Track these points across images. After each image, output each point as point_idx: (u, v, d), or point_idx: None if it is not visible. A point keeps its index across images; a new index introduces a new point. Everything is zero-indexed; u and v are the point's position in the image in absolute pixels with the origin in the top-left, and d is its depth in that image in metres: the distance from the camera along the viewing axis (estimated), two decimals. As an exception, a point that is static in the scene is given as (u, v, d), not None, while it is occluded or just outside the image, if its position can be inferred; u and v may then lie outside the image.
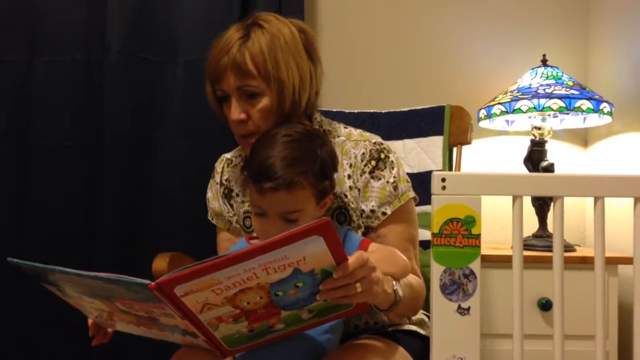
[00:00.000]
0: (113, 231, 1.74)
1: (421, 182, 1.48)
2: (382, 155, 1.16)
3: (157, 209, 1.77)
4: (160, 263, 1.28)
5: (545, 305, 1.50)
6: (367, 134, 1.21)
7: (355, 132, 1.22)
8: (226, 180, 1.28)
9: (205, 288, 0.78)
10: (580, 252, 1.61)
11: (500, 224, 1.85)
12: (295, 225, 0.81)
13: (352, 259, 0.83)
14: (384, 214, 1.14)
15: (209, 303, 0.81)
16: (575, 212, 1.94)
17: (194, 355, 1.01)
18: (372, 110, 1.71)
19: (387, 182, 1.14)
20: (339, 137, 1.20)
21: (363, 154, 1.16)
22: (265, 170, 0.98)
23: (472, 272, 0.79)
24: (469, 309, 0.79)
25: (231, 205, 1.27)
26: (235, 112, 1.12)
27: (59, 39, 1.77)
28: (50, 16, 1.77)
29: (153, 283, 0.77)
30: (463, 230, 0.79)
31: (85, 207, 1.77)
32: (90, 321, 1.03)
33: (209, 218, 1.32)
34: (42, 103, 1.77)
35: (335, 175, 1.11)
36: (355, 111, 1.71)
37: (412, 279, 1.11)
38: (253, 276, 0.78)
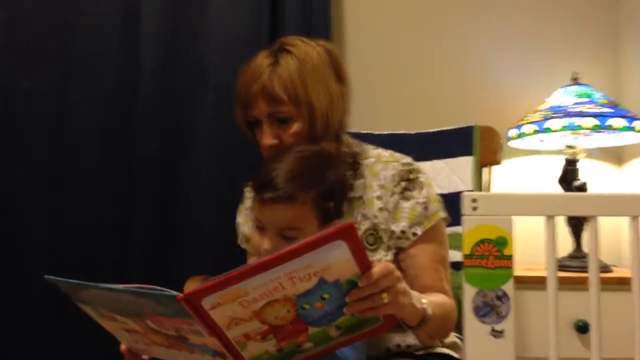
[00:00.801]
0: (143, 255, 1.76)
1: (451, 203, 1.47)
2: (412, 176, 1.16)
3: (187, 233, 1.79)
4: (191, 286, 1.28)
5: (582, 328, 1.46)
6: (398, 154, 1.21)
7: (386, 154, 1.21)
8: None
9: (232, 300, 0.79)
10: (617, 272, 1.58)
11: (534, 245, 1.82)
12: (293, 244, 0.80)
13: (377, 268, 0.82)
14: (414, 234, 1.14)
15: (236, 317, 0.82)
16: (611, 231, 1.89)
17: None
18: (401, 132, 1.71)
19: (417, 202, 1.14)
20: (368, 158, 1.20)
21: (393, 175, 1.16)
22: (269, 181, 0.98)
23: (505, 294, 0.78)
24: (502, 331, 0.77)
25: (261, 230, 1.27)
26: (268, 138, 1.13)
27: (92, 66, 1.82)
28: (85, 45, 1.82)
29: (181, 295, 0.78)
30: (495, 252, 0.78)
31: (117, 230, 1.79)
32: (123, 347, 1.03)
33: (239, 243, 1.33)
34: (77, 127, 1.81)
35: (345, 205, 1.10)
36: (385, 133, 1.71)
37: (443, 298, 1.10)
38: (279, 286, 0.79)
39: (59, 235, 1.79)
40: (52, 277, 0.90)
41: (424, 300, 0.99)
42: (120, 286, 0.83)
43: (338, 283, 0.81)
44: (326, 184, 1.01)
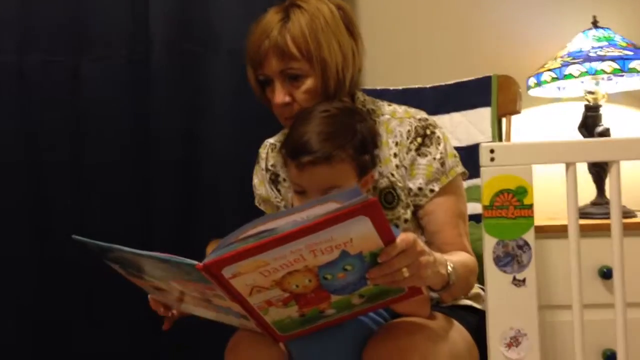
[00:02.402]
0: (166, 220, 1.78)
1: (470, 155, 1.46)
2: (428, 132, 1.15)
3: (207, 196, 1.80)
4: (212, 249, 1.30)
5: (606, 274, 1.46)
6: (412, 110, 1.20)
7: (400, 109, 1.20)
8: (272, 165, 1.29)
9: (253, 270, 0.79)
10: (641, 218, 1.56)
11: (557, 193, 1.81)
12: None
13: (397, 243, 0.82)
14: (431, 191, 1.13)
15: (257, 286, 0.82)
16: (634, 177, 1.86)
17: (250, 340, 1.02)
18: (417, 86, 1.69)
19: (434, 158, 1.13)
20: (383, 115, 1.19)
21: (408, 131, 1.15)
22: (303, 145, 0.98)
23: (526, 243, 0.78)
24: (524, 280, 0.78)
25: (278, 190, 1.28)
26: (280, 96, 1.12)
27: (104, 37, 1.81)
28: (95, 16, 1.81)
29: (200, 264, 0.78)
30: (515, 202, 0.77)
31: (138, 198, 1.81)
32: (151, 298, 1.04)
33: (256, 204, 1.33)
34: (91, 100, 1.81)
35: (378, 152, 1.10)
36: (400, 88, 1.69)
37: (465, 257, 1.10)
38: (300, 258, 0.78)
39: (79, 211, 1.81)
40: (79, 237, 0.92)
41: (449, 266, 0.98)
42: (145, 252, 0.85)
43: (361, 255, 0.81)
44: (359, 138, 1.02)
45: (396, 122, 1.17)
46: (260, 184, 1.31)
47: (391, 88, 1.69)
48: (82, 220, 1.80)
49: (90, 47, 1.81)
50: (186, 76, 1.80)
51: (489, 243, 0.78)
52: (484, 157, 0.78)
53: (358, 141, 1.02)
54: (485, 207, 0.78)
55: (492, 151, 0.78)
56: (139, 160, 1.81)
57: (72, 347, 1.79)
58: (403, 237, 0.82)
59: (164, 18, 1.78)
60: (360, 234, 0.77)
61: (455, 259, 1.03)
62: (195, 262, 0.79)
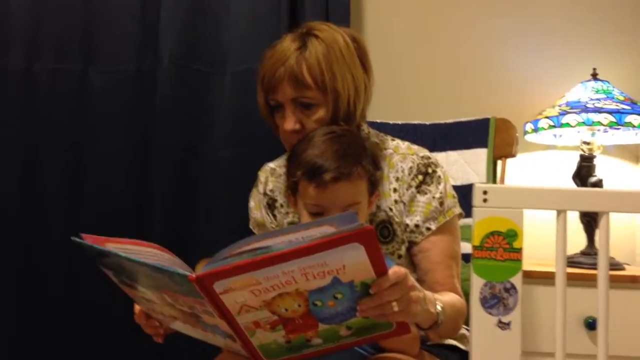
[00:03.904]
0: (161, 236, 1.77)
1: (464, 195, 1.46)
2: (430, 170, 1.15)
3: (203, 214, 1.80)
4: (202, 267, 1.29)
5: (591, 325, 1.46)
6: (415, 147, 1.21)
7: (403, 145, 1.21)
8: (270, 190, 1.28)
9: (244, 287, 0.79)
10: (629, 270, 1.56)
11: (547, 240, 1.81)
12: None
13: (389, 276, 0.82)
14: (428, 229, 1.13)
15: (247, 305, 0.82)
16: (627, 229, 1.88)
17: None
18: (416, 122, 1.70)
19: (434, 197, 1.13)
20: (386, 149, 1.20)
21: (410, 167, 1.15)
22: (321, 165, 0.99)
23: (513, 287, 0.78)
24: (509, 323, 0.77)
25: (274, 216, 1.27)
26: (290, 123, 1.12)
27: (113, 49, 1.83)
28: (105, 28, 1.83)
29: (194, 275, 0.78)
30: (504, 244, 0.78)
31: (136, 210, 1.82)
32: (137, 308, 1.02)
33: (251, 227, 1.33)
34: (97, 110, 1.82)
35: (380, 188, 1.11)
36: (400, 122, 1.71)
37: (455, 298, 1.10)
38: (292, 280, 0.78)
39: (79, 218, 1.81)
40: (77, 239, 0.92)
41: (438, 305, 0.98)
42: (139, 259, 0.85)
43: (352, 284, 0.81)
44: (369, 154, 1.05)
45: (399, 157, 1.18)
46: (256, 207, 1.31)
47: (390, 122, 1.71)
48: (78, 227, 1.79)
49: (98, 59, 1.83)
50: (191, 94, 1.82)
51: (477, 283, 0.78)
52: (476, 197, 0.78)
53: (370, 158, 1.04)
54: (475, 247, 0.78)
55: (485, 192, 0.78)
56: (138, 173, 1.82)
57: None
58: (395, 270, 0.82)
59: (173, 36, 1.80)
60: (354, 261, 0.77)
61: (445, 299, 1.03)
62: (188, 273, 0.79)
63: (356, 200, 1.01)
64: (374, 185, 1.06)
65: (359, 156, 1.02)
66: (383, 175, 1.15)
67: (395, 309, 0.84)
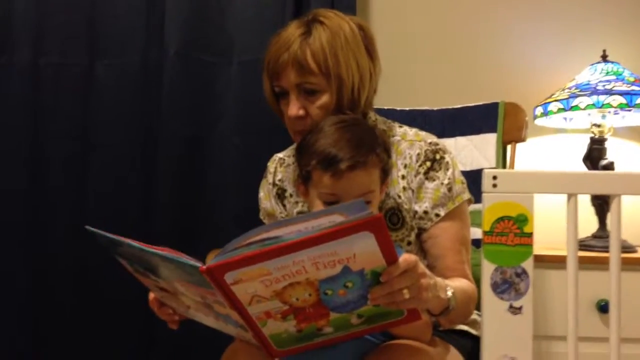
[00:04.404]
0: (169, 224, 1.79)
1: (474, 180, 1.45)
2: (438, 156, 1.15)
3: (211, 205, 1.81)
4: (212, 259, 1.30)
5: (604, 308, 1.45)
6: (423, 133, 1.20)
7: (411, 132, 1.20)
8: (279, 180, 1.29)
9: (255, 278, 0.79)
10: (642, 253, 1.56)
11: (559, 223, 1.81)
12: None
13: (399, 264, 0.81)
14: (437, 215, 1.13)
15: (257, 295, 0.82)
16: (639, 211, 1.86)
17: (248, 352, 1.02)
18: (424, 108, 1.69)
19: (442, 183, 1.13)
20: (394, 136, 1.19)
21: (418, 154, 1.15)
22: (336, 153, 0.98)
23: (524, 271, 0.78)
24: (520, 308, 0.77)
25: (284, 206, 1.28)
26: (294, 109, 1.13)
27: (119, 42, 1.83)
28: (110, 20, 1.84)
29: (204, 266, 0.79)
30: (515, 229, 0.78)
31: (143, 203, 1.82)
32: (151, 295, 1.02)
33: (261, 217, 1.33)
34: (103, 104, 1.83)
35: (389, 176, 1.11)
36: (407, 109, 1.70)
37: (466, 284, 1.09)
38: (302, 270, 0.78)
39: (87, 210, 1.82)
40: (91, 228, 0.92)
41: (449, 291, 0.98)
42: (151, 249, 0.85)
43: (363, 273, 0.81)
44: (382, 142, 1.04)
45: (406, 144, 1.17)
46: (265, 197, 1.31)
47: (398, 108, 1.70)
48: (85, 220, 1.80)
49: (104, 52, 1.83)
50: (198, 85, 1.81)
51: (488, 269, 0.78)
52: (486, 183, 0.78)
53: (382, 145, 1.04)
54: (485, 233, 0.78)
55: (494, 177, 0.78)
56: (145, 165, 1.83)
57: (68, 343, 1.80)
58: (405, 258, 0.82)
59: (179, 26, 1.80)
60: (364, 250, 0.77)
61: (456, 284, 1.03)
62: (199, 264, 0.79)
63: (371, 188, 1.01)
64: (386, 173, 1.06)
65: (372, 144, 1.02)
66: (391, 163, 1.15)
67: (406, 296, 0.83)
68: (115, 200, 1.82)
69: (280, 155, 1.33)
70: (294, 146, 1.28)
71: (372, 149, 1.01)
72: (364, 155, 0.99)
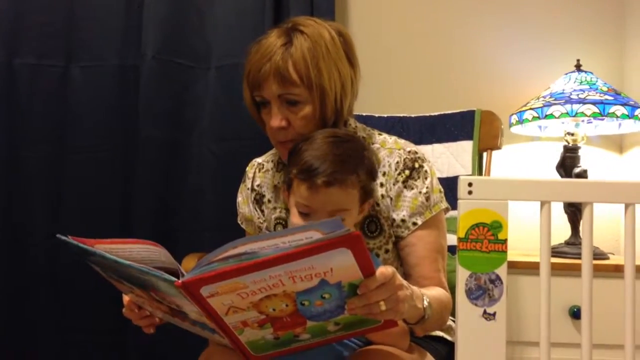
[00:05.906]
0: (146, 231, 1.77)
1: (450, 187, 1.47)
2: (417, 165, 1.15)
3: (188, 210, 1.80)
4: (189, 262, 1.29)
5: (576, 314, 1.47)
6: (402, 141, 1.20)
7: (390, 140, 1.20)
8: (258, 185, 1.28)
9: (231, 291, 0.78)
10: (613, 260, 1.58)
11: (533, 230, 1.83)
12: None
13: (376, 276, 0.82)
14: (414, 224, 1.13)
15: (234, 306, 0.82)
16: (611, 220, 1.90)
17: (223, 354, 1.02)
18: (401, 115, 1.71)
19: (420, 192, 1.13)
20: (373, 144, 1.19)
21: (397, 162, 1.15)
22: (318, 167, 0.98)
23: (498, 278, 0.78)
24: (494, 314, 0.78)
25: (262, 211, 1.27)
26: (277, 120, 1.12)
27: (96, 45, 1.81)
28: (88, 23, 1.82)
29: (179, 281, 0.78)
30: (489, 235, 0.78)
31: (120, 207, 1.81)
32: (126, 298, 1.00)
33: (239, 222, 1.33)
34: (79, 106, 1.81)
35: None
36: (385, 115, 1.71)
37: (441, 293, 1.10)
38: (279, 283, 0.78)
39: (61, 215, 1.80)
40: (63, 236, 0.91)
41: (425, 301, 0.98)
42: (125, 262, 0.84)
43: (340, 285, 0.81)
44: (368, 165, 1.04)
45: (385, 152, 1.17)
46: (244, 202, 1.31)
47: (376, 115, 1.71)
48: (61, 224, 1.78)
49: (81, 54, 1.82)
50: (175, 89, 1.80)
51: (462, 275, 0.78)
52: (462, 189, 0.79)
53: (367, 168, 1.04)
54: (460, 239, 0.78)
55: (470, 184, 0.79)
56: (122, 168, 1.81)
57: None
58: (382, 271, 0.82)
59: (156, 30, 1.79)
60: (341, 264, 0.77)
61: (432, 293, 1.03)
62: (174, 279, 0.78)
63: (345, 207, 1.01)
64: (367, 193, 1.05)
65: (356, 165, 1.01)
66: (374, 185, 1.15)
67: (383, 308, 0.84)
68: (92, 203, 1.80)
69: (259, 160, 1.32)
70: (272, 151, 1.28)
71: (355, 169, 1.01)
72: (344, 173, 0.99)
